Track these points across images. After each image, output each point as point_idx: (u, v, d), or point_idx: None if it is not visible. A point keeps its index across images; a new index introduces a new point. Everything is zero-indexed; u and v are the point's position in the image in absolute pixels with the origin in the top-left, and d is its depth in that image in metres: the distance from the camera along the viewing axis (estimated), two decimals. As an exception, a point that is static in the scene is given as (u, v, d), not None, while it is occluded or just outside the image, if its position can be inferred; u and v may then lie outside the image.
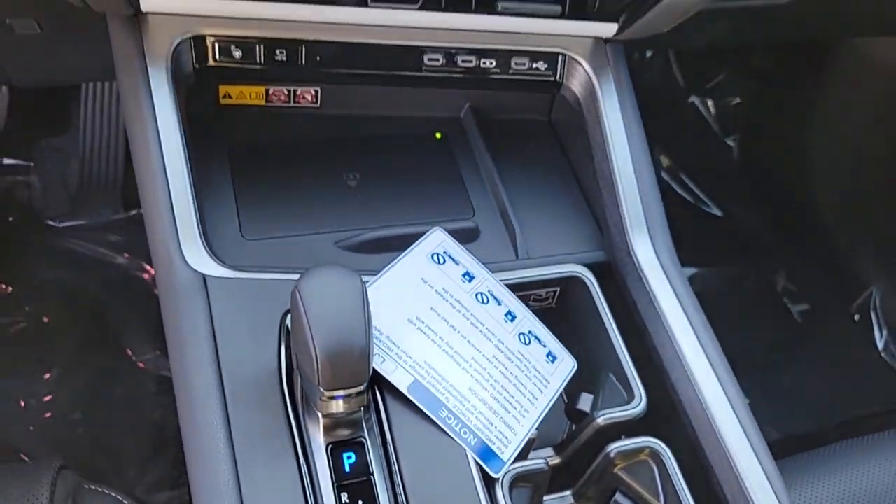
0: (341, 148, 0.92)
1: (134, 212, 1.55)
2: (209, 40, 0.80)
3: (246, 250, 0.81)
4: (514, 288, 0.81)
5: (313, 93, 0.91)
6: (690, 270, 1.73)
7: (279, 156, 0.90)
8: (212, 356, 0.69)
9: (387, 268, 0.76)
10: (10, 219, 1.51)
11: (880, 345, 1.67)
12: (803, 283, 1.75)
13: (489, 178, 0.92)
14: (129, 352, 1.42)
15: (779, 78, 1.81)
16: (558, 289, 0.85)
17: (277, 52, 0.82)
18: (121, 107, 0.81)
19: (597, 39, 0.87)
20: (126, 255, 1.50)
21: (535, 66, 0.88)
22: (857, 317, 1.70)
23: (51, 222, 1.52)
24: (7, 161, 1.53)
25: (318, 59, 0.84)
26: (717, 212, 1.85)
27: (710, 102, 1.90)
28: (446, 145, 0.96)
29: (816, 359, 1.66)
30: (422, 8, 0.77)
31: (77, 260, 1.49)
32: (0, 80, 1.11)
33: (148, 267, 1.48)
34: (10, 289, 1.44)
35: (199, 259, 0.73)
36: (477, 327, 0.76)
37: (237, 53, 0.81)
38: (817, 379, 1.62)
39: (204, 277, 0.73)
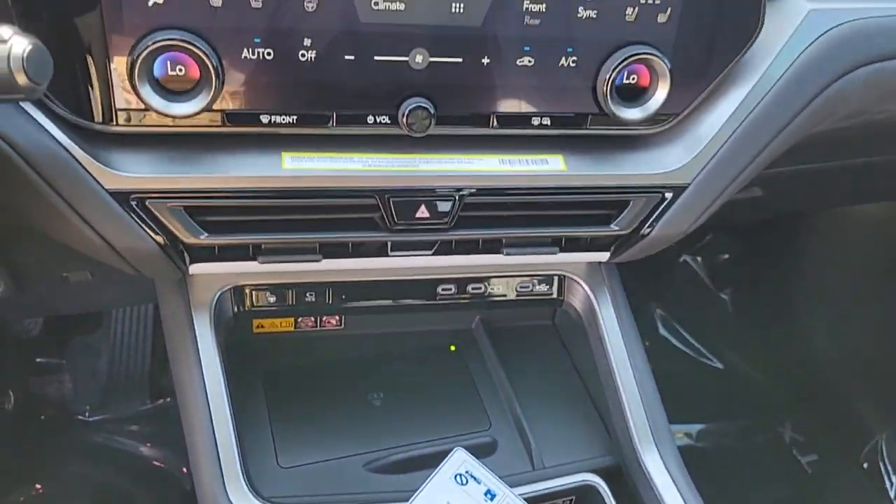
0: (365, 367, 1.01)
1: (161, 401, 1.62)
2: (247, 289, 0.90)
3: (283, 478, 0.88)
4: (533, 500, 0.88)
5: (337, 318, 1.01)
6: (697, 426, 1.78)
7: (309, 379, 0.98)
8: None
9: (415, 494, 0.82)
10: (42, 417, 1.58)
11: (892, 493, 1.69)
12: (810, 433, 1.80)
13: (502, 389, 1.00)
14: (156, 545, 1.45)
15: (763, 236, 1.92)
16: (574, 497, 0.91)
17: (307, 294, 0.92)
18: (167, 349, 0.90)
19: (592, 262, 0.97)
20: (154, 447, 1.55)
21: (537, 287, 0.98)
22: (866, 465, 1.74)
23: (81, 417, 1.58)
24: (40, 360, 1.61)
25: (343, 296, 0.93)
26: (718, 364, 1.92)
27: (699, 259, 2.01)
28: (460, 357, 1.04)
29: (831, 511, 1.68)
30: (435, 253, 0.87)
31: (106, 454, 1.54)
32: (48, 312, 1.21)
33: (174, 460, 1.53)
34: (41, 488, 1.49)
35: (243, 499, 0.80)
36: (501, 547, 0.82)
37: (271, 298, 0.91)
38: (834, 532, 1.64)
39: None
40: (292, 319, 0.99)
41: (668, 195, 0.86)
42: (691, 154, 0.85)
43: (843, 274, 1.84)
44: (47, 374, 1.59)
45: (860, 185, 1.38)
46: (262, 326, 0.99)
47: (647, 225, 0.87)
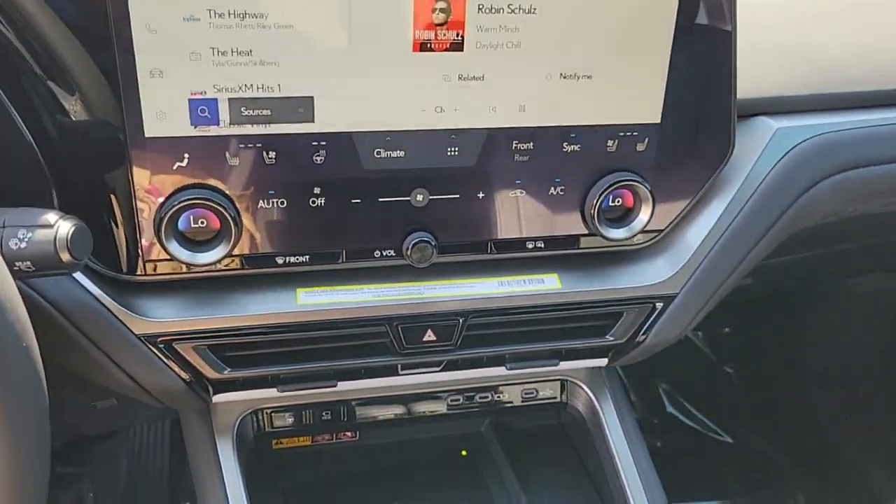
0: (381, 477, 1.05)
1: (180, 506, 1.65)
2: (266, 412, 0.95)
3: None
4: None
5: (353, 431, 1.05)
6: (710, 504, 1.80)
7: (328, 491, 1.02)
8: None
9: None
10: (63, 528, 1.60)
11: (908, 562, 1.70)
12: (823, 504, 1.81)
13: (513, 492, 1.04)
14: None
15: (762, 309, 1.97)
16: None
17: (324, 413, 0.97)
18: (192, 471, 0.94)
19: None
20: (173, 554, 1.57)
21: (541, 392, 1.03)
22: (881, 535, 1.75)
23: (101, 526, 1.61)
24: (60, 470, 1.64)
25: (358, 412, 0.98)
26: (727, 439, 1.94)
27: (700, 334, 2.05)
28: (472, 462, 1.08)
29: (850, 585, 1.68)
30: (444, 370, 0.92)
31: (127, 563, 1.56)
32: (74, 435, 1.26)
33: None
34: None
35: None
36: None
37: (290, 419, 0.96)
38: None
39: None
40: (310, 435, 1.04)
41: (659, 305, 0.91)
42: (677, 266, 0.91)
43: (846, 342, 1.88)
44: (68, 483, 1.62)
45: (845, 266, 1.44)
46: (281, 443, 1.03)
47: (641, 333, 0.93)
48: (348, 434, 1.05)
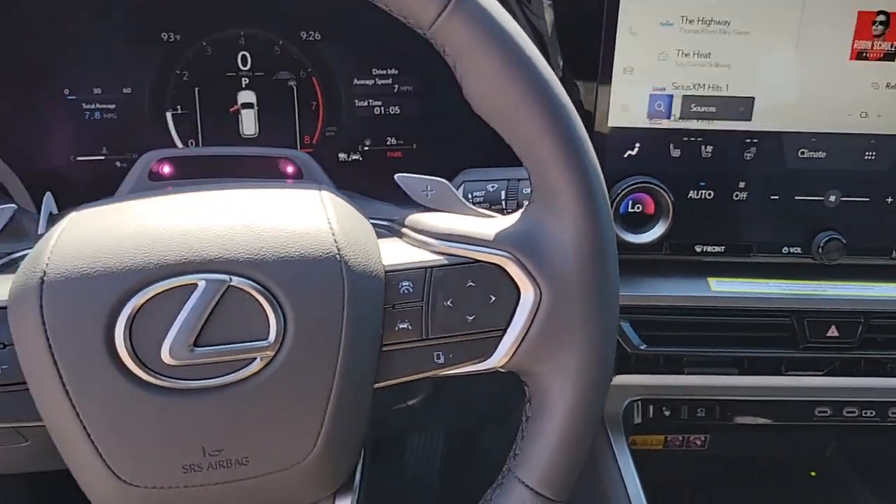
0: (727, 488, 1.06)
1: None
2: (647, 403, 1.00)
3: None
4: None
5: (703, 438, 1.08)
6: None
7: (681, 496, 1.05)
8: None
9: None
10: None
11: None
12: None
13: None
14: None
15: None
16: None
17: (698, 410, 1.01)
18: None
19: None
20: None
21: (916, 412, 1.03)
22: None
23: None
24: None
25: (729, 412, 1.02)
26: None
27: None
28: (818, 485, 1.08)
29: None
30: (826, 375, 0.95)
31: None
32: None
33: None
34: None
35: None
36: None
37: (667, 412, 1.01)
38: None
39: None
40: (662, 437, 1.08)
41: None
42: None
43: None
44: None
45: None
46: (635, 443, 1.07)
47: None
48: (698, 442, 1.08)
